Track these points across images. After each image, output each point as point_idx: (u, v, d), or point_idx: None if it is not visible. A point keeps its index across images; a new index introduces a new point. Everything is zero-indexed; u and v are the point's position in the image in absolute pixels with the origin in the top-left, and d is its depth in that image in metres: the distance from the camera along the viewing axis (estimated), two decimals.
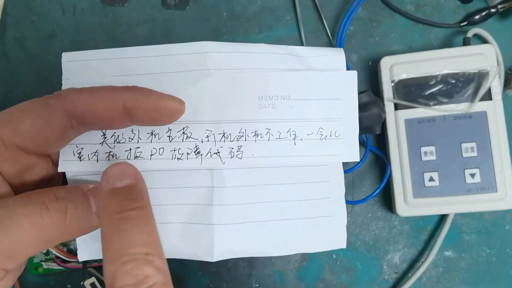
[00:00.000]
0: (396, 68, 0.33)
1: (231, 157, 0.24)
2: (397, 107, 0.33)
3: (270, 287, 0.35)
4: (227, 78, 0.24)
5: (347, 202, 0.34)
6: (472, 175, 0.31)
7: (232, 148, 0.24)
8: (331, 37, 0.36)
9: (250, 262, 0.35)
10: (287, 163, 0.25)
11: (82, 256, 0.24)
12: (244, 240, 0.25)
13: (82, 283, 0.34)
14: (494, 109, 0.32)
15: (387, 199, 0.35)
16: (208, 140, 0.24)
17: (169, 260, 0.37)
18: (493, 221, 0.34)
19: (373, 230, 0.35)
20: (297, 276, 0.35)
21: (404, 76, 0.33)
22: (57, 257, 0.33)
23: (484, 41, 0.34)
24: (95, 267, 0.35)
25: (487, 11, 0.34)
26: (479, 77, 0.32)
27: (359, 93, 0.32)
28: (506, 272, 0.34)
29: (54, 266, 0.34)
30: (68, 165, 0.23)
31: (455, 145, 0.32)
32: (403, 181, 0.32)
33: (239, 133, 0.24)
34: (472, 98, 0.32)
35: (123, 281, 0.18)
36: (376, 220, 0.35)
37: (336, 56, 0.26)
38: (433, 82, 0.32)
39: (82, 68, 0.24)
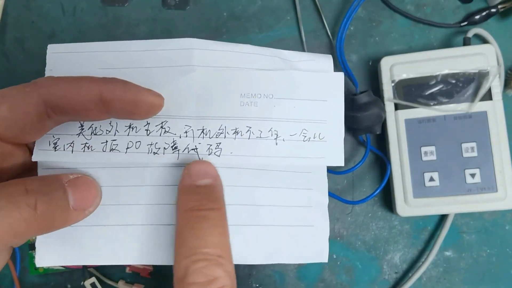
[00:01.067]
0: (396, 68, 0.33)
1: (208, 154, 0.24)
2: (397, 107, 0.33)
3: (270, 287, 0.35)
4: (211, 75, 0.24)
5: (348, 202, 0.34)
6: (472, 175, 0.31)
7: (211, 145, 0.24)
8: (331, 37, 0.36)
9: None
10: (267, 164, 0.24)
11: (41, 262, 0.23)
12: None
13: (82, 283, 0.34)
14: (494, 109, 0.32)
15: (387, 199, 0.35)
16: (186, 136, 0.24)
17: None
18: (493, 221, 0.34)
19: (373, 230, 0.35)
20: (297, 276, 0.35)
21: (404, 76, 0.33)
22: None
23: (484, 41, 0.34)
24: (95, 267, 0.35)
25: (487, 11, 0.34)
26: (479, 77, 0.32)
27: (360, 93, 0.32)
28: (506, 272, 0.34)
29: (54, 266, 0.34)
30: (43, 155, 0.23)
31: (455, 145, 0.32)
32: (403, 181, 0.32)
33: (219, 130, 0.24)
34: (472, 98, 0.32)
35: (194, 278, 0.19)
36: (376, 220, 0.35)
37: (324, 62, 0.25)
38: (433, 82, 0.32)
39: (66, 60, 0.24)
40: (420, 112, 0.32)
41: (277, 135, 0.24)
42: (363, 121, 0.32)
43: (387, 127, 0.33)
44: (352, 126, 0.34)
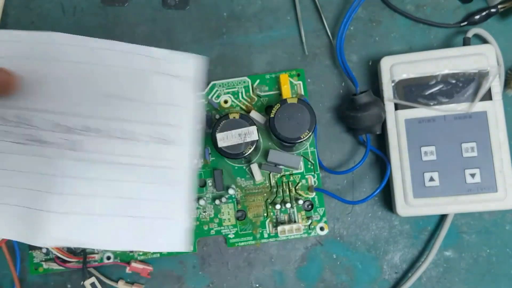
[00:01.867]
0: (396, 68, 0.33)
1: (69, 149, 0.26)
2: (397, 107, 0.33)
3: (270, 287, 0.35)
4: (74, 71, 0.26)
5: (348, 202, 0.34)
6: (472, 175, 0.32)
7: (71, 141, 0.26)
8: (331, 37, 0.36)
9: (250, 262, 0.35)
10: (123, 161, 0.26)
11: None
12: (77, 230, 0.26)
13: (82, 283, 0.34)
14: (494, 109, 0.32)
15: (387, 199, 0.35)
16: (52, 131, 0.25)
17: (169, 260, 0.37)
18: (493, 221, 0.34)
19: (373, 230, 0.35)
20: (297, 276, 0.35)
21: (404, 76, 0.33)
22: (57, 257, 0.33)
23: (484, 41, 0.34)
24: (95, 267, 0.35)
25: (487, 11, 0.34)
26: (479, 77, 0.32)
27: (360, 93, 0.32)
28: (506, 272, 0.34)
29: (54, 266, 0.34)
30: None
31: (455, 145, 0.32)
32: (403, 181, 0.32)
33: (81, 127, 0.26)
34: (472, 98, 0.32)
35: None
36: (376, 220, 0.35)
37: (189, 63, 0.27)
38: (433, 82, 0.32)
39: None
40: (420, 112, 0.32)
41: (132, 136, 0.26)
42: (363, 121, 0.32)
43: (387, 127, 0.33)
44: (352, 126, 0.34)
